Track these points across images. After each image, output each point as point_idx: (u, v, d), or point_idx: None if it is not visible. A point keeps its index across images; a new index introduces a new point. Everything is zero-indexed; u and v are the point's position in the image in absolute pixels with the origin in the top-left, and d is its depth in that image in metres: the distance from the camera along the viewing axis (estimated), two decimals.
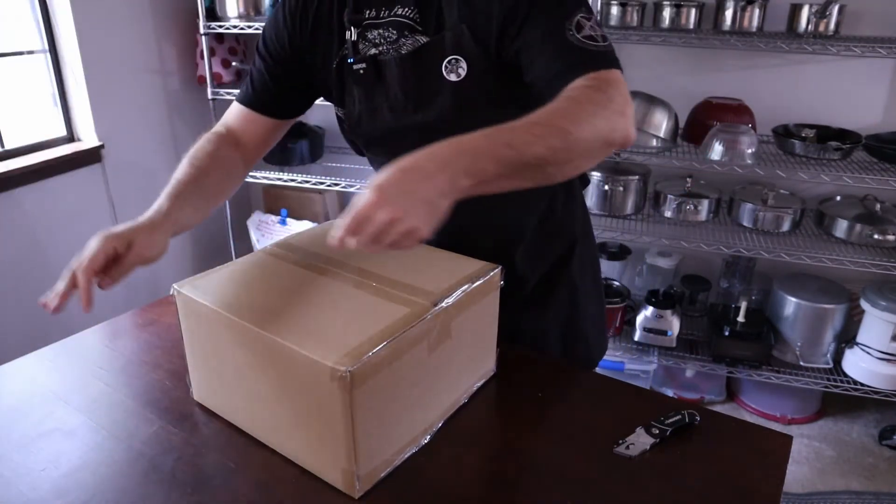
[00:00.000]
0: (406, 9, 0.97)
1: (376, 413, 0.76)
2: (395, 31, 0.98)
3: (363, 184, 2.49)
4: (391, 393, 0.77)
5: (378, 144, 1.11)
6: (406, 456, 0.83)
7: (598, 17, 2.21)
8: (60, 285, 0.85)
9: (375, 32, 1.00)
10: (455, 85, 0.96)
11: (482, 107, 0.98)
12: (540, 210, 1.13)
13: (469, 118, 0.97)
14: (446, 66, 0.96)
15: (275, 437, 0.84)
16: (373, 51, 1.00)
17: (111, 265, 0.84)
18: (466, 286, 0.87)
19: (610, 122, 0.80)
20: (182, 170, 1.03)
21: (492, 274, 0.92)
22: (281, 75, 1.09)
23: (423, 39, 0.96)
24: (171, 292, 0.87)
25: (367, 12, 1.00)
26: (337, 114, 1.11)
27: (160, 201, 0.95)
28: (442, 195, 0.72)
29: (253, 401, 0.83)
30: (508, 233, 1.12)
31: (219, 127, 1.12)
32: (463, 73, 0.95)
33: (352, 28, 1.00)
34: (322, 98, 1.14)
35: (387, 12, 0.98)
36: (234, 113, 1.12)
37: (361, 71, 1.00)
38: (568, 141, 0.77)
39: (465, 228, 1.04)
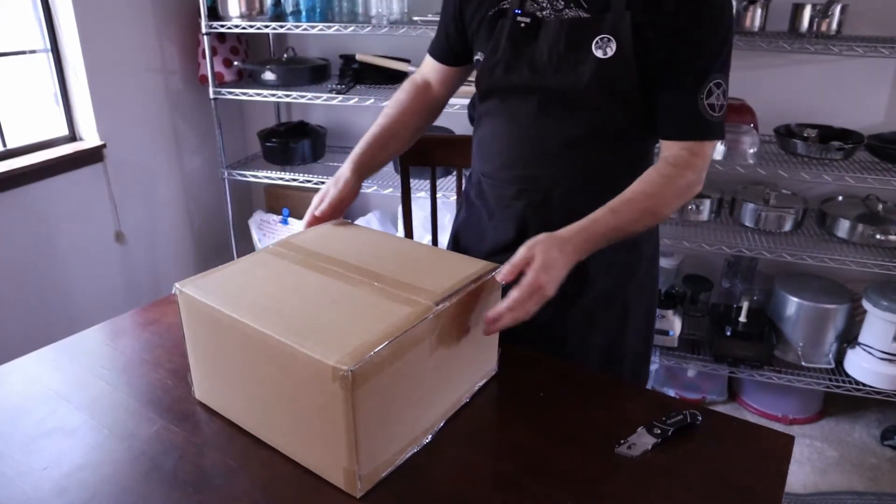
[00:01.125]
0: None
1: (378, 413, 0.75)
2: (562, 2, 1.04)
3: (364, 183, 2.48)
4: (392, 393, 0.77)
5: (497, 97, 1.15)
6: (408, 455, 0.83)
7: None
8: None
9: None
10: (600, 61, 1.02)
11: (612, 93, 1.05)
12: None
13: (596, 97, 1.05)
14: (597, 42, 1.02)
15: (276, 437, 0.84)
16: (538, 11, 1.06)
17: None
18: (468, 286, 0.87)
19: (689, 196, 1.07)
20: (378, 121, 1.24)
21: (493, 274, 0.92)
22: (452, 24, 1.21)
23: (585, 16, 1.03)
24: (172, 291, 0.87)
25: None
26: (478, 59, 1.16)
27: (356, 152, 1.20)
28: (565, 270, 0.92)
29: (254, 400, 0.83)
30: None
31: (416, 75, 1.31)
32: (611, 52, 1.02)
33: None
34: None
35: None
36: (426, 60, 1.30)
37: (523, 24, 1.07)
38: (658, 219, 1.06)
39: (557, 203, 1.14)
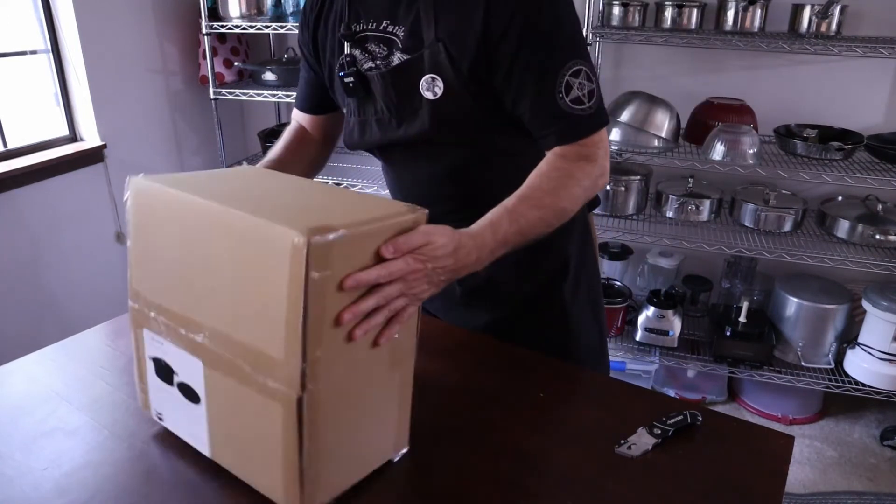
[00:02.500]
0: (394, 26, 0.98)
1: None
2: (385, 47, 1.00)
3: (364, 184, 2.49)
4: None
5: (373, 152, 1.14)
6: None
7: (601, 18, 2.21)
8: None
9: (372, 45, 1.01)
10: (432, 103, 0.98)
11: (460, 124, 1.00)
12: None
13: (448, 134, 1.00)
14: (424, 84, 0.97)
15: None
16: (369, 64, 1.02)
17: None
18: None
19: (594, 187, 0.97)
20: (261, 163, 1.13)
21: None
22: (313, 77, 1.17)
23: (405, 57, 0.98)
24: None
25: (361, 24, 1.02)
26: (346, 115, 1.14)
27: None
28: (454, 275, 0.81)
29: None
30: None
31: (292, 121, 1.24)
32: (440, 91, 0.96)
33: (346, 42, 1.03)
34: None
35: (375, 25, 1.00)
36: (294, 115, 1.24)
37: (350, 84, 1.03)
38: (563, 216, 0.95)
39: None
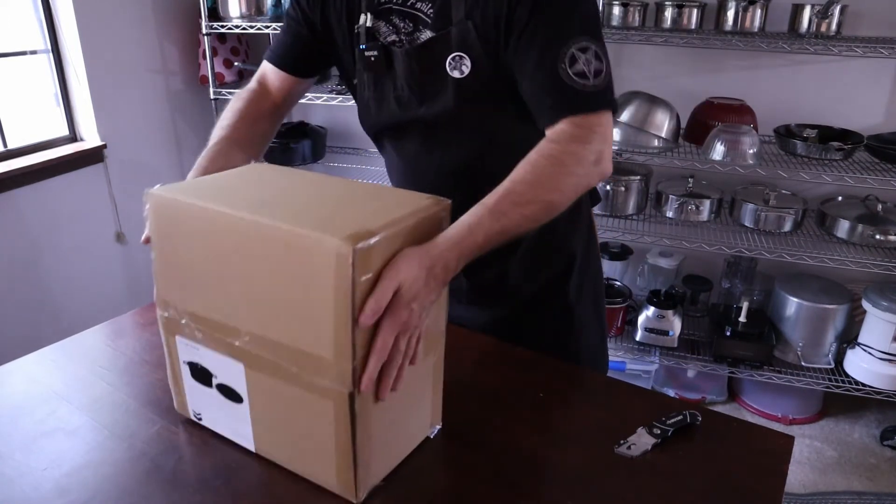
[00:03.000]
0: (421, 2, 0.97)
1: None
2: (411, 23, 0.98)
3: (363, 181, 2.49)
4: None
5: (385, 135, 1.11)
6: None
7: (601, 18, 2.21)
8: None
9: (397, 20, 0.99)
10: (458, 81, 0.96)
11: (483, 105, 0.98)
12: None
13: (470, 115, 0.98)
14: (450, 63, 0.96)
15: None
16: (391, 38, 1.00)
17: None
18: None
19: (587, 176, 0.89)
20: (215, 133, 1.07)
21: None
22: (305, 35, 1.09)
23: (431, 34, 0.97)
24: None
25: None
26: (355, 85, 1.10)
27: (197, 164, 1.00)
28: (442, 283, 0.75)
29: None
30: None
31: (252, 82, 1.14)
32: (466, 70, 0.95)
33: (368, 13, 1.00)
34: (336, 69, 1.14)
35: (402, 0, 0.98)
36: (264, 67, 1.15)
37: (372, 58, 1.00)
38: (551, 210, 0.86)
39: None
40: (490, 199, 0.83)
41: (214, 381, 0.81)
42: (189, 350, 0.82)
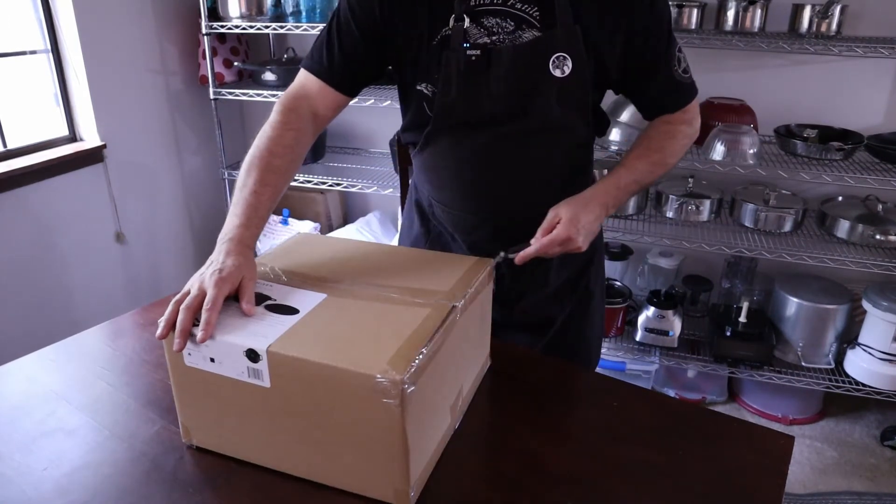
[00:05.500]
0: (525, 4, 1.00)
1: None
2: (512, 23, 1.00)
3: (364, 184, 2.48)
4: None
5: (452, 129, 1.08)
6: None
7: None
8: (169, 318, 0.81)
9: (493, 20, 1.01)
10: (559, 81, 1.01)
11: (576, 107, 1.05)
12: None
13: (561, 114, 1.05)
14: (553, 62, 1.00)
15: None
16: (485, 39, 1.01)
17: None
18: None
19: (689, 143, 1.16)
20: (251, 175, 0.98)
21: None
22: (361, 53, 1.06)
23: (537, 34, 1.00)
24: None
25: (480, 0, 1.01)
26: (422, 90, 1.07)
27: (240, 219, 0.91)
28: (595, 224, 1.04)
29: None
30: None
31: (293, 100, 1.07)
32: (568, 70, 1.01)
33: (465, 16, 1.01)
34: (392, 71, 1.13)
35: (502, 1, 1.00)
36: (308, 81, 1.09)
37: (474, 58, 1.02)
38: (668, 168, 1.14)
39: (505, 228, 1.13)
40: (624, 160, 1.10)
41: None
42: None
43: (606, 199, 1.05)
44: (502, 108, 1.04)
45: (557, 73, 1.01)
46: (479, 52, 1.01)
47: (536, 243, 1.00)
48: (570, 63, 1.00)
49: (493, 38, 1.01)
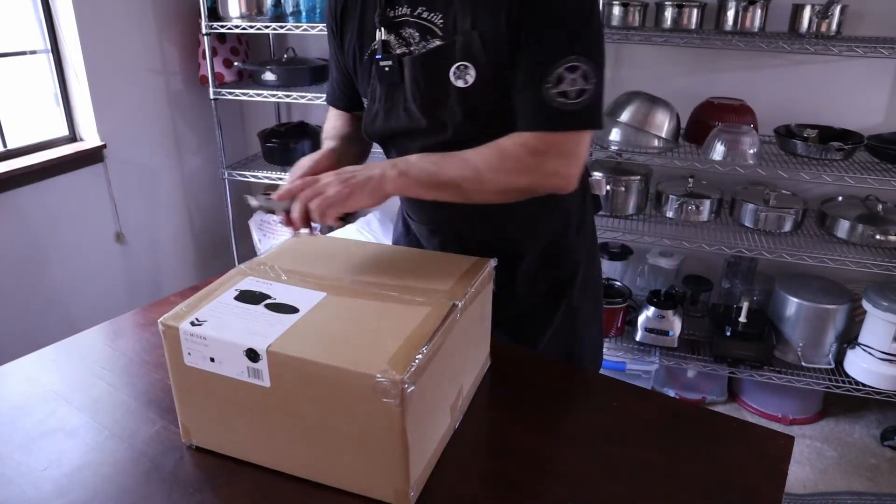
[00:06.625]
0: (430, 12, 0.98)
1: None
2: (418, 33, 0.99)
3: None
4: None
5: (390, 145, 1.12)
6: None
7: (601, 18, 2.21)
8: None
9: (408, 31, 1.00)
10: (462, 91, 0.97)
11: (486, 115, 0.99)
12: (548, 235, 1.13)
13: (472, 125, 0.99)
14: (454, 72, 0.96)
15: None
16: (402, 50, 1.01)
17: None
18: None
19: (530, 182, 0.94)
20: (329, 141, 1.15)
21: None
22: (337, 71, 1.16)
23: (440, 44, 0.97)
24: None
25: (398, 9, 1.00)
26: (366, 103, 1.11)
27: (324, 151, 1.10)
28: (376, 178, 0.92)
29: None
30: (510, 250, 1.11)
31: (329, 140, 1.19)
32: (471, 80, 0.96)
33: (382, 28, 1.01)
34: None
35: (410, 11, 0.99)
36: (331, 115, 1.23)
37: (387, 68, 1.01)
38: (480, 184, 0.93)
39: (468, 242, 1.09)
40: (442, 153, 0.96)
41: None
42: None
43: (389, 164, 0.94)
44: (418, 120, 1.02)
45: (460, 83, 0.96)
46: (391, 62, 1.00)
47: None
48: (472, 72, 0.95)
49: (409, 48, 1.00)
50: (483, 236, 1.12)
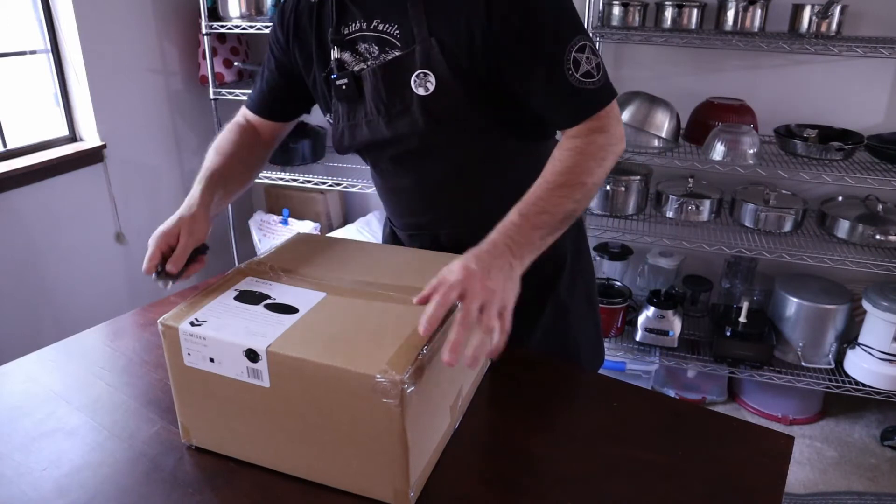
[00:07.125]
0: (386, 24, 0.98)
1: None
2: (376, 46, 0.99)
3: (364, 184, 2.49)
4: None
5: (363, 153, 1.13)
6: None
7: (601, 18, 2.21)
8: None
9: (364, 46, 1.00)
10: (423, 99, 0.97)
11: (452, 123, 0.99)
12: None
13: (439, 134, 1.00)
14: (415, 80, 0.96)
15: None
16: (360, 66, 1.01)
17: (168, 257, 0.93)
18: None
19: (613, 157, 0.96)
20: (210, 159, 1.10)
21: None
22: (282, 85, 1.13)
23: (398, 54, 0.97)
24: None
25: (351, 25, 1.00)
26: (329, 121, 1.12)
27: (194, 191, 1.01)
28: (512, 269, 0.80)
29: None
30: None
31: (239, 117, 1.19)
32: (431, 87, 0.96)
33: (335, 46, 1.02)
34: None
35: (366, 25, 0.99)
36: (246, 113, 1.20)
37: (343, 86, 1.02)
38: (587, 190, 0.92)
39: (445, 247, 1.09)
40: (526, 195, 0.89)
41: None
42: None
43: (506, 238, 0.82)
44: (379, 133, 1.02)
45: (421, 90, 0.96)
46: (346, 80, 1.01)
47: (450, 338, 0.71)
48: (432, 79, 0.95)
49: (366, 63, 1.00)
50: (459, 238, 1.07)
